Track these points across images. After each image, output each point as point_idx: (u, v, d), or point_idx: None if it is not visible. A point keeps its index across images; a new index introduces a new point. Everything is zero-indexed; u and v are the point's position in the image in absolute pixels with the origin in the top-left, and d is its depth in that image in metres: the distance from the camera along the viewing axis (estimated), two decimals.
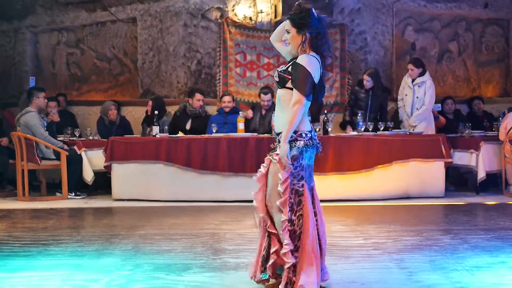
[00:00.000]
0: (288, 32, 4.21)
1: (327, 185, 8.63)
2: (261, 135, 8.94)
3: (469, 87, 11.76)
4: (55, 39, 11.59)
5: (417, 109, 9.53)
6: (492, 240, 5.89)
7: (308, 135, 4.19)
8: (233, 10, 10.85)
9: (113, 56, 11.45)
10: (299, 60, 4.11)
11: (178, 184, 8.68)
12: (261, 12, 10.81)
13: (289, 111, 4.09)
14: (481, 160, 9.01)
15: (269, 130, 9.14)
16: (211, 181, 8.63)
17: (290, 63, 4.22)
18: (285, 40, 4.26)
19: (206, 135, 9.04)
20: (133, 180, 8.83)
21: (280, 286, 4.13)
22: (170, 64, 11.04)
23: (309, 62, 4.09)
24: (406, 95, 9.73)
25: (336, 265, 4.97)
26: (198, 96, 9.88)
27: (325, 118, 9.19)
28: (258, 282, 4.31)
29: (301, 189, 4.18)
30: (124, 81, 11.46)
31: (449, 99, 10.63)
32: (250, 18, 10.78)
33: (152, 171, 8.78)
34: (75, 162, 9.15)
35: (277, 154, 4.14)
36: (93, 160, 9.26)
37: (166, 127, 9.47)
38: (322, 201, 8.43)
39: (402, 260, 5.12)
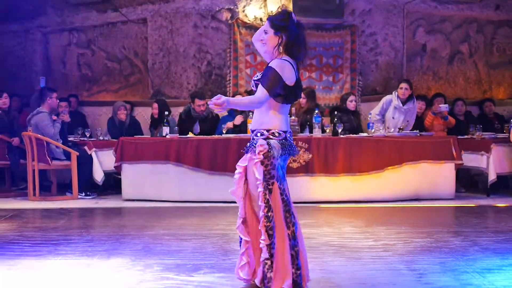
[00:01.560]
0: (266, 33, 4.26)
1: (337, 186, 8.63)
2: None
3: (480, 89, 11.72)
4: (66, 40, 11.62)
5: (400, 128, 9.38)
6: (502, 242, 5.86)
7: (282, 134, 4.19)
8: (243, 11, 10.86)
9: (124, 57, 11.48)
10: (271, 63, 4.17)
11: (187, 184, 8.68)
12: (272, 13, 10.79)
13: (262, 110, 4.19)
14: (491, 162, 8.97)
15: None
16: (221, 181, 8.61)
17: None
18: (262, 40, 4.30)
19: (216, 136, 9.05)
20: (143, 180, 8.84)
21: (256, 281, 4.18)
22: (180, 65, 11.07)
23: (281, 65, 4.13)
24: (393, 117, 9.51)
25: (346, 266, 4.97)
26: (197, 101, 9.72)
27: (335, 120, 9.18)
28: None
29: (271, 187, 4.15)
30: (135, 81, 11.49)
31: (460, 100, 10.60)
32: (261, 19, 10.78)
33: (161, 171, 8.79)
34: (85, 162, 9.17)
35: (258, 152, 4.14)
36: (103, 160, 9.28)
37: (176, 127, 9.47)
38: (332, 202, 8.50)
39: (412, 262, 5.10)
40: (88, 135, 9.76)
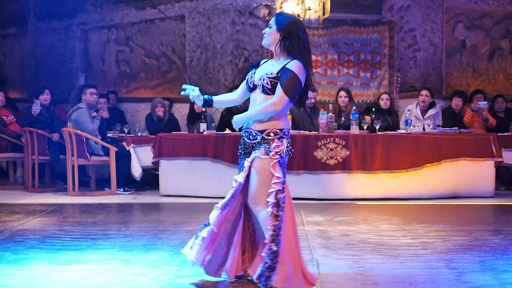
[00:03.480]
0: (270, 27, 4.28)
1: (375, 183, 8.58)
2: (308, 133, 8.90)
3: None
4: (105, 37, 11.75)
5: (439, 125, 9.30)
6: None
7: (287, 133, 4.28)
8: (281, 7, 10.84)
9: (162, 54, 11.56)
10: (289, 66, 4.17)
11: (225, 180, 8.68)
12: (309, 9, 10.78)
13: (266, 103, 4.21)
14: None
15: (316, 128, 9.11)
16: None
17: (279, 70, 4.21)
18: (264, 34, 4.33)
19: None
20: (181, 176, 8.90)
21: (253, 276, 4.24)
22: (218, 62, 11.11)
23: (298, 67, 4.15)
24: (413, 126, 9.35)
25: (384, 264, 4.94)
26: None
27: (373, 117, 9.13)
28: None
29: (283, 186, 4.22)
30: (172, 78, 11.55)
31: (500, 97, 10.45)
32: (298, 15, 10.75)
33: (199, 167, 8.84)
34: (123, 158, 9.26)
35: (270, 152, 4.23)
36: (141, 156, 9.35)
37: (213, 123, 9.53)
38: (369, 199, 8.46)
39: (451, 260, 5.05)
40: (126, 131, 9.86)
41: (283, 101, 4.15)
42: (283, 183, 4.20)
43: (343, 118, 9.50)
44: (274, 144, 4.19)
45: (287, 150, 4.25)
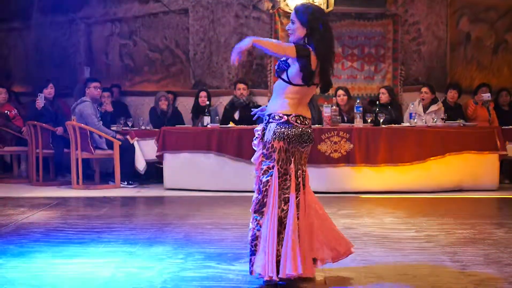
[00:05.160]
0: (293, 23, 4.21)
1: (379, 176, 8.59)
2: (313, 126, 8.88)
3: None
4: (109, 31, 11.74)
5: (442, 118, 9.25)
6: None
7: (283, 118, 4.14)
8: (284, 1, 10.82)
9: (165, 47, 11.55)
10: None
11: (229, 174, 8.72)
12: (313, 2, 10.75)
13: (278, 94, 4.20)
14: None
15: (319, 121, 9.11)
16: None
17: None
18: (289, 30, 4.26)
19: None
20: (185, 169, 8.90)
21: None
22: (221, 55, 11.10)
23: (313, 55, 4.10)
24: (415, 122, 9.25)
25: (388, 257, 4.94)
26: (238, 85, 10.17)
27: (377, 110, 9.12)
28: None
29: (270, 170, 4.13)
30: (176, 72, 11.55)
31: (505, 90, 10.43)
32: None
33: (203, 161, 8.84)
34: (127, 152, 9.27)
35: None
36: (145, 150, 9.36)
37: (217, 117, 9.55)
38: (373, 192, 8.45)
39: (455, 253, 5.05)
40: (130, 125, 9.87)
41: (288, 47, 4.08)
42: (270, 167, 4.13)
43: (345, 117, 9.51)
44: (261, 125, 4.23)
45: (273, 133, 4.13)
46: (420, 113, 9.56)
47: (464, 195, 8.44)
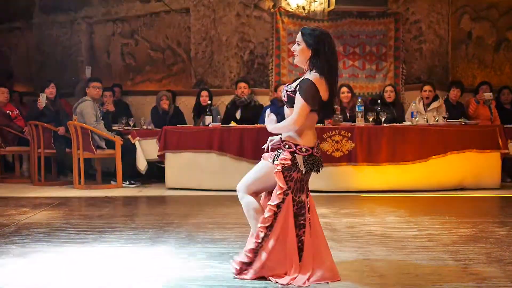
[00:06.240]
0: (299, 44, 4.24)
1: (380, 175, 8.58)
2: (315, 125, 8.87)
3: None
4: (110, 30, 11.75)
5: (444, 117, 9.24)
6: None
7: (308, 151, 4.24)
8: (285, 0, 10.82)
9: (167, 46, 11.56)
10: (307, 76, 4.16)
11: (231, 173, 8.70)
12: (314, 1, 10.76)
13: (287, 121, 4.23)
14: None
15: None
16: None
17: (297, 82, 4.22)
18: (294, 52, 4.28)
19: (259, 125, 9.06)
20: (186, 169, 8.91)
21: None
22: (223, 54, 11.10)
23: (318, 79, 4.11)
24: (417, 120, 9.23)
25: (390, 256, 4.94)
26: (240, 84, 10.26)
27: (378, 109, 9.12)
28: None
29: (284, 197, 4.23)
30: (178, 71, 11.56)
31: (506, 88, 10.42)
32: (303, 8, 10.74)
33: (205, 160, 8.84)
34: (129, 151, 9.27)
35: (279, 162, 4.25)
36: (146, 149, 9.36)
37: (218, 116, 9.55)
38: (375, 191, 8.45)
39: (457, 252, 5.04)
40: (132, 124, 9.87)
41: (303, 111, 4.12)
42: (285, 194, 4.21)
43: (348, 114, 9.50)
44: (282, 156, 4.21)
45: (301, 166, 4.21)
46: (421, 111, 9.56)
47: (466, 194, 8.43)
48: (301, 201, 4.26)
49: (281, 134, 4.36)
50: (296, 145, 4.23)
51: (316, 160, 4.28)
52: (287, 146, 4.24)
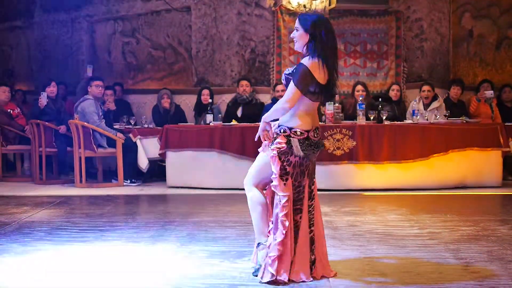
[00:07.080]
0: (297, 30, 4.25)
1: (382, 174, 8.58)
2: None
3: None
4: (111, 29, 11.74)
5: (445, 115, 9.21)
6: None
7: (304, 134, 4.22)
8: None
9: (168, 45, 11.55)
10: (302, 61, 4.17)
11: (232, 172, 8.71)
12: None
13: (279, 102, 4.22)
14: None
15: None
16: None
17: (295, 67, 4.25)
18: (294, 38, 4.29)
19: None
20: (187, 167, 8.90)
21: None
22: (224, 53, 11.09)
23: (313, 63, 4.11)
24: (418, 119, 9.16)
25: (391, 254, 4.94)
26: (241, 82, 10.32)
27: (379, 107, 9.11)
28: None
29: (285, 182, 4.22)
30: (179, 69, 11.55)
31: (507, 87, 10.42)
32: (304, 6, 10.70)
33: (206, 159, 8.84)
34: (130, 150, 9.28)
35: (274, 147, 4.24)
36: (148, 148, 9.37)
37: (220, 114, 9.56)
38: (376, 189, 8.45)
39: (459, 250, 5.04)
40: (133, 123, 9.87)
41: (293, 95, 4.11)
42: (285, 179, 4.20)
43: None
44: (277, 140, 4.20)
45: (297, 150, 4.20)
46: (421, 111, 9.55)
47: (467, 192, 8.43)
48: (300, 186, 4.25)
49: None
50: (290, 128, 4.21)
51: (313, 143, 4.24)
52: (282, 130, 4.23)
